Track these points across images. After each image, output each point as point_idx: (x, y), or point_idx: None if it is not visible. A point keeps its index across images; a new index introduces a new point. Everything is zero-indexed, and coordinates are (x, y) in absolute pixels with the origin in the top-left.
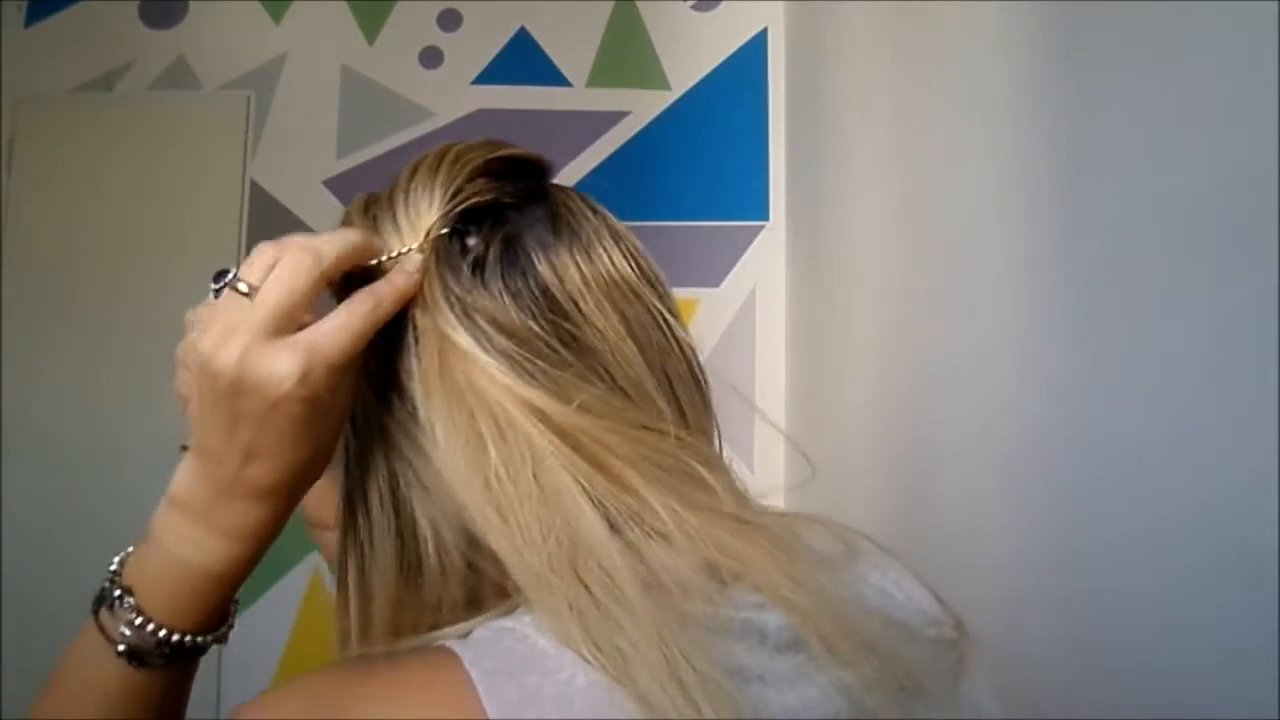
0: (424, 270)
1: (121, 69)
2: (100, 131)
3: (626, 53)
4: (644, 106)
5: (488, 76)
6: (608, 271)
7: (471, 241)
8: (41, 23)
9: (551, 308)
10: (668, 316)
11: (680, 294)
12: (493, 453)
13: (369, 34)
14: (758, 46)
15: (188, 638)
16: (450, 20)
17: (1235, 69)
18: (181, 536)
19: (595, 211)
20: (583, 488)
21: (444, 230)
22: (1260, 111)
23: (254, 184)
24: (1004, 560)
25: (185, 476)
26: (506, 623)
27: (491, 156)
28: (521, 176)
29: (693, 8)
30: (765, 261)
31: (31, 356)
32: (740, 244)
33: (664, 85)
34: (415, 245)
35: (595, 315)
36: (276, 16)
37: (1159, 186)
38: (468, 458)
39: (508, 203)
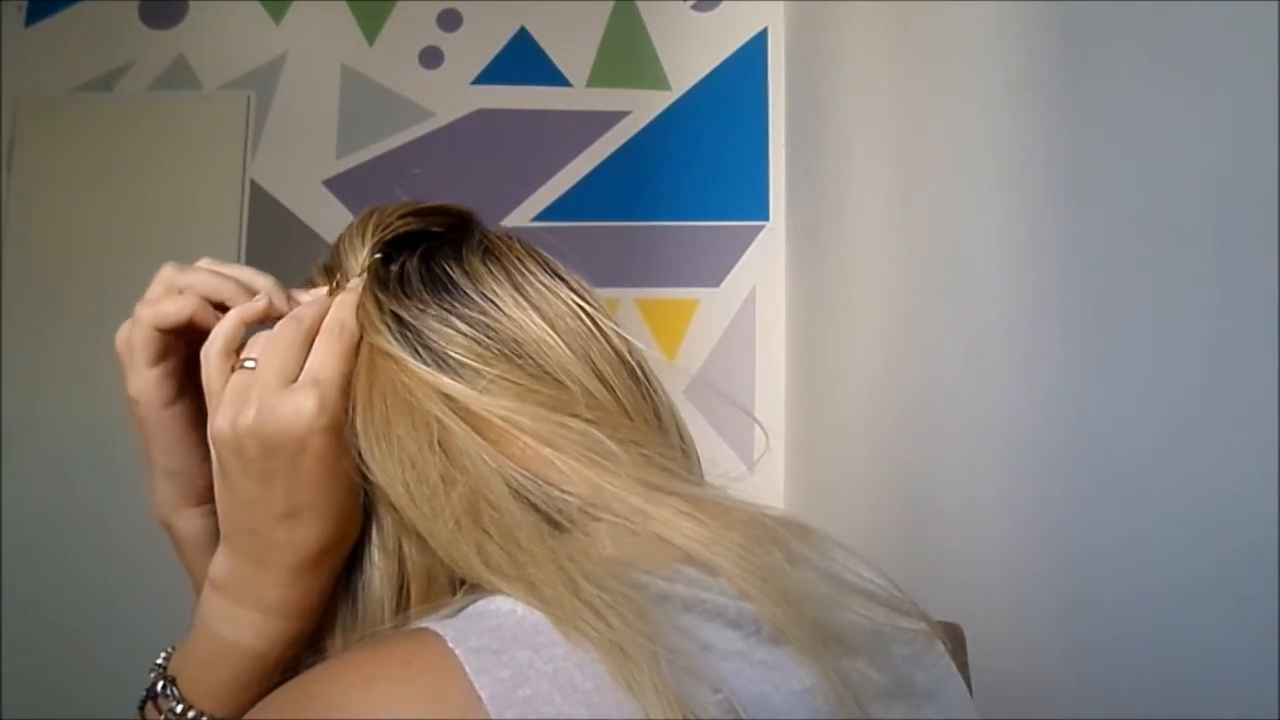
0: (360, 291)
1: (121, 69)
2: (100, 131)
3: (626, 53)
4: (644, 106)
5: (488, 76)
6: (519, 273)
7: (396, 266)
8: (41, 23)
9: (470, 309)
10: (586, 307)
11: (680, 294)
12: (403, 437)
13: (369, 34)
14: (758, 46)
15: None
16: (450, 20)
17: (1235, 69)
18: (229, 618)
19: (510, 238)
20: (484, 458)
21: (375, 257)
22: (1260, 111)
23: (254, 184)
24: (1004, 561)
25: (226, 562)
26: (488, 603)
27: (418, 205)
28: (445, 217)
29: (693, 8)
30: (765, 261)
31: (31, 356)
32: (740, 244)
33: (664, 85)
34: (356, 275)
35: (512, 310)
36: (276, 16)
37: (1159, 186)
38: (384, 449)
39: (431, 231)
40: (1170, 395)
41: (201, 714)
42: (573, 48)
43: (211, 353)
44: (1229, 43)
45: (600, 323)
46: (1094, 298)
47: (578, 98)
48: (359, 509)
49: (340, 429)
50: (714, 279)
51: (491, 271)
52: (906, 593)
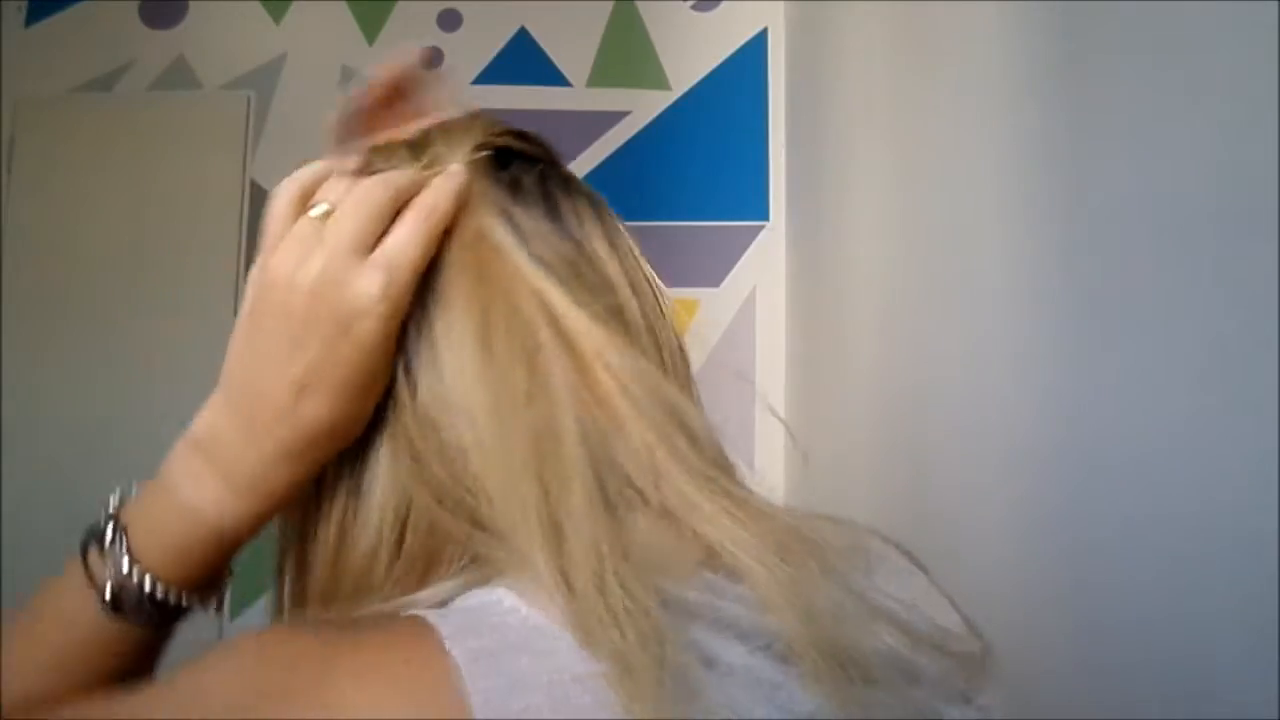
0: (467, 179)
1: (121, 69)
2: (100, 131)
3: (626, 53)
4: (644, 106)
5: (488, 76)
6: (614, 230)
7: (507, 172)
8: (41, 23)
9: (576, 241)
10: (659, 285)
11: (680, 294)
12: (499, 338)
13: (369, 34)
14: (758, 46)
15: (173, 593)
16: (450, 20)
17: (1235, 69)
18: (196, 483)
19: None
20: (567, 387)
21: (485, 153)
22: (1260, 111)
23: (254, 184)
24: (1003, 560)
25: (213, 416)
26: (489, 594)
27: (521, 129)
28: (545, 149)
29: (693, 8)
30: (765, 261)
31: (31, 356)
32: (740, 244)
33: (664, 85)
34: (460, 159)
35: (609, 261)
36: (276, 16)
37: (1159, 186)
38: (467, 349)
39: (537, 154)
40: (1169, 390)
41: (147, 572)
42: (573, 48)
43: (284, 194)
44: (1229, 43)
45: (664, 306)
46: (1093, 296)
47: (578, 98)
48: (371, 408)
49: (396, 319)
50: (714, 279)
51: (595, 216)
52: (968, 624)
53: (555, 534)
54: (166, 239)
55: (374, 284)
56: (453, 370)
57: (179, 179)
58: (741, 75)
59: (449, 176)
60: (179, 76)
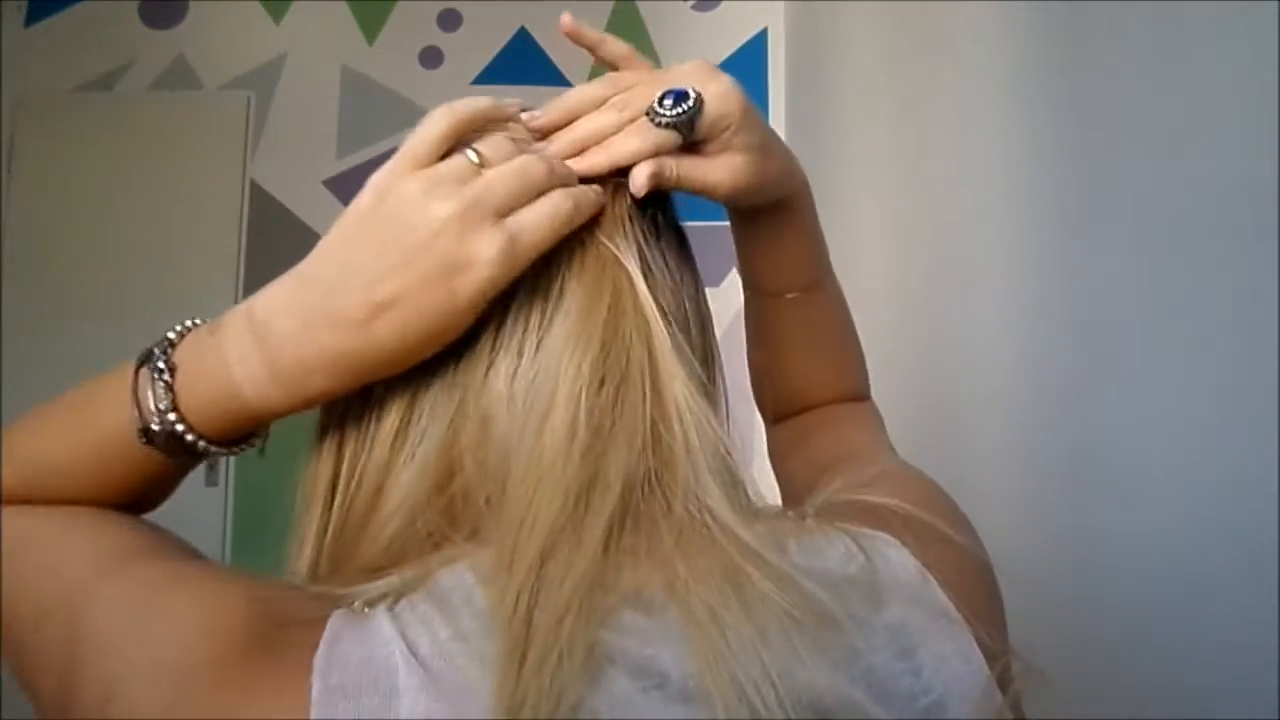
0: (609, 195)
1: (121, 69)
2: (100, 131)
3: None
4: None
5: (488, 76)
6: (696, 268)
7: (651, 205)
8: (41, 23)
9: (684, 289)
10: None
11: None
12: (600, 349)
13: (369, 34)
14: (758, 46)
15: (203, 443)
16: (450, 20)
17: (1235, 69)
18: (243, 364)
19: None
20: (642, 408)
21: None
22: (1260, 111)
23: (254, 184)
24: (1006, 564)
25: (276, 300)
26: (446, 580)
27: None
28: None
29: (693, 8)
30: None
31: (31, 356)
32: None
33: None
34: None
35: (696, 297)
36: (276, 16)
37: (1159, 186)
38: (571, 359)
39: (666, 194)
40: (1170, 390)
41: (181, 420)
42: (573, 48)
43: (442, 120)
44: (1229, 43)
45: (715, 352)
46: (1093, 296)
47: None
48: (418, 360)
49: (496, 289)
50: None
51: (688, 255)
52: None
53: (547, 553)
54: (166, 238)
55: (496, 245)
56: (543, 365)
57: (179, 179)
58: (741, 75)
59: (598, 193)
60: (179, 76)
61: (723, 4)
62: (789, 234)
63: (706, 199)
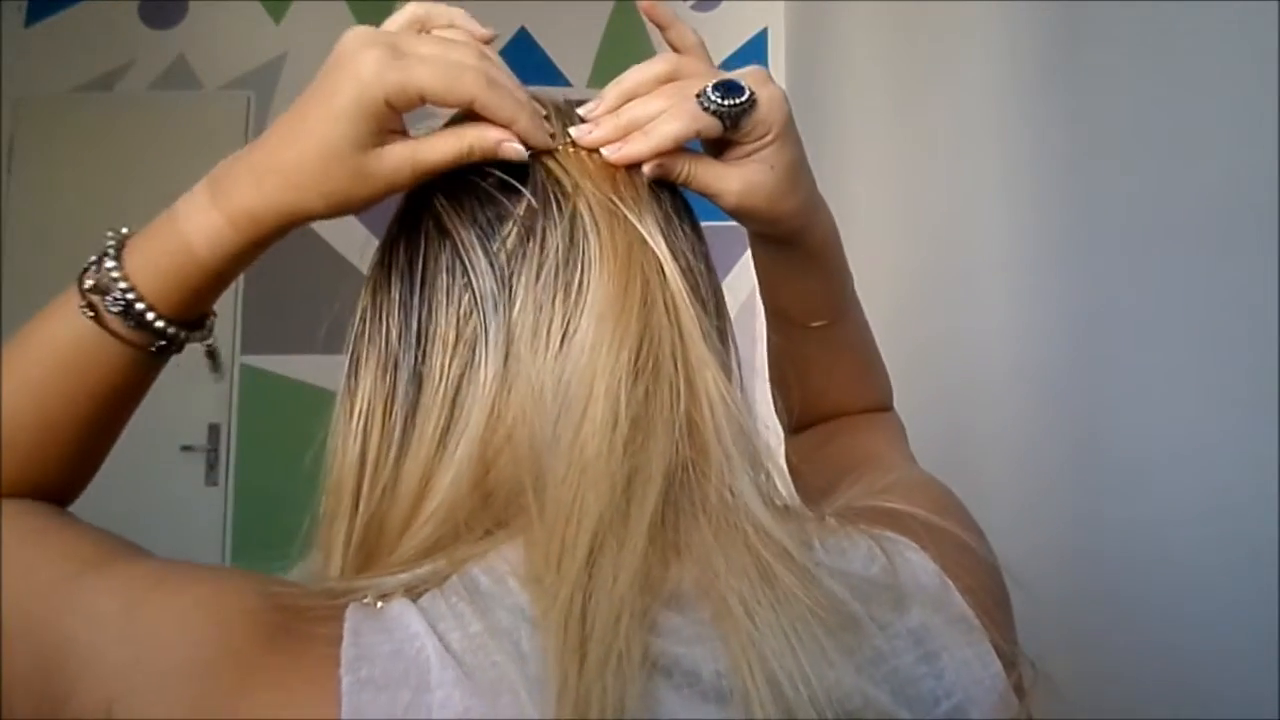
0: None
1: (121, 69)
2: (100, 131)
3: (626, 53)
4: None
5: None
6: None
7: (667, 188)
8: (41, 23)
9: (705, 273)
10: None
11: None
12: (631, 323)
13: None
14: (758, 46)
15: (153, 313)
16: None
17: (1235, 69)
18: (199, 213)
19: None
20: (678, 395)
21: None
22: (1260, 111)
23: None
24: (1006, 553)
25: (238, 152)
26: (475, 576)
27: None
28: None
29: (693, 8)
30: None
31: None
32: (740, 244)
33: None
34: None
35: (710, 276)
36: (276, 16)
37: (1159, 186)
38: (609, 347)
39: None
40: (1170, 390)
41: (132, 288)
42: (573, 48)
43: (414, 8)
44: (1229, 42)
45: (732, 334)
46: (1094, 295)
47: (577, 98)
48: (326, 192)
49: (368, 119)
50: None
51: (702, 236)
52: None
53: (596, 549)
54: None
55: (380, 59)
56: (576, 356)
57: (179, 179)
58: None
59: (511, 142)
60: (179, 76)
61: (723, 4)
62: (812, 277)
63: (712, 204)
